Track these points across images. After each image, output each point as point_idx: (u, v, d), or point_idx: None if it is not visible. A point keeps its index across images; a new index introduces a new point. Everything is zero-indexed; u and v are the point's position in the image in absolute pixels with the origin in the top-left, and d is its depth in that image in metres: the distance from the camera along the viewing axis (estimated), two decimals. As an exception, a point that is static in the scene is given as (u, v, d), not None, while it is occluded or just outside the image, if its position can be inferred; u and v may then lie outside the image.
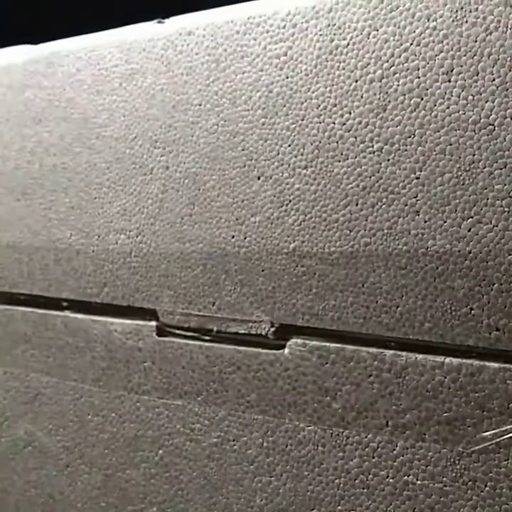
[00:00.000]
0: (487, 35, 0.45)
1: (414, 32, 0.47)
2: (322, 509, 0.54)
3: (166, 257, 0.61)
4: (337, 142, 0.51)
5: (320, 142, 0.52)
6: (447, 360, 0.48)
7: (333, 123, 0.51)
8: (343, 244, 0.51)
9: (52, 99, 0.69)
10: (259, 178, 0.55)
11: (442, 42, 0.46)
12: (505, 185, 0.44)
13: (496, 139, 0.45)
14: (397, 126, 0.48)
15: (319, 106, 0.52)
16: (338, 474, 0.53)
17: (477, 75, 0.45)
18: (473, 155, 0.45)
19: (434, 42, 0.47)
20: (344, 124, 0.51)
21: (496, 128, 0.45)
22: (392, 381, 0.50)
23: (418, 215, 0.48)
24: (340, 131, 0.51)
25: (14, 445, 0.74)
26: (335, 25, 0.51)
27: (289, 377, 0.55)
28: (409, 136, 0.48)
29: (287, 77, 0.53)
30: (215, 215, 0.58)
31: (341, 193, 0.51)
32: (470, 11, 0.45)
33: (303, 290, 0.53)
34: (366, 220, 0.50)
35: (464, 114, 0.46)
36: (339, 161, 0.51)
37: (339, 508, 0.53)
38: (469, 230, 0.46)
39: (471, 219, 0.46)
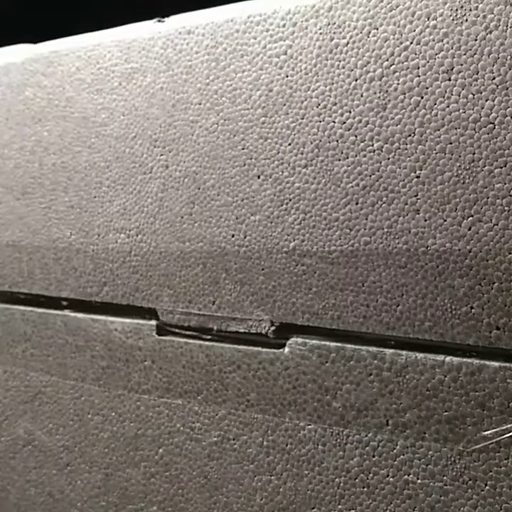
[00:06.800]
0: (487, 34, 0.45)
1: (414, 31, 0.47)
2: (322, 508, 0.54)
3: (166, 256, 0.61)
4: (337, 141, 0.51)
5: (320, 141, 0.52)
6: (447, 358, 0.48)
7: (333, 122, 0.51)
8: (343, 243, 0.51)
9: (52, 98, 0.69)
10: (259, 177, 0.55)
11: (442, 40, 0.46)
12: (505, 183, 0.44)
13: (496, 138, 0.45)
14: (397, 125, 0.48)
15: (319, 105, 0.52)
16: (339, 473, 0.53)
17: (477, 74, 0.45)
18: (474, 153, 0.45)
19: (434, 40, 0.47)
20: (344, 122, 0.51)
21: (496, 126, 0.45)
22: (392, 380, 0.50)
23: (418, 213, 0.48)
24: (340, 130, 0.51)
25: (14, 444, 0.74)
26: (335, 23, 0.51)
27: (289, 376, 0.55)
28: (410, 135, 0.48)
29: (287, 76, 0.53)
30: (214, 214, 0.58)
31: (341, 192, 0.51)
32: (470, 10, 0.45)
33: (303, 289, 0.53)
34: (366, 219, 0.50)
35: (464, 112, 0.46)
36: (339, 160, 0.51)
37: (339, 506, 0.53)
38: (469, 229, 0.46)
39: (471, 218, 0.46)
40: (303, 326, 0.54)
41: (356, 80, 0.50)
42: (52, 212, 0.69)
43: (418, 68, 0.47)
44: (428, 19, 0.47)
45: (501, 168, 0.44)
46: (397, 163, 0.49)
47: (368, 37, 0.49)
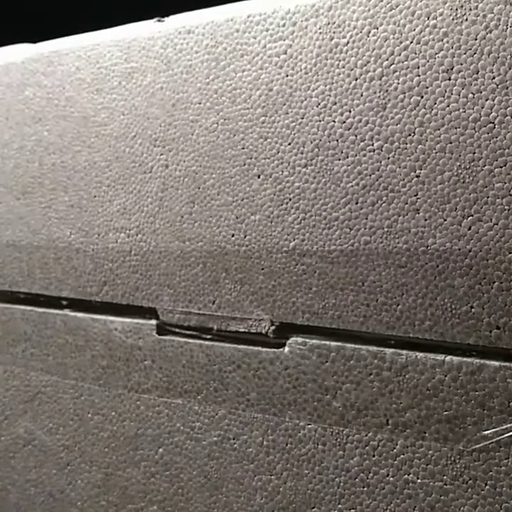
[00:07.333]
0: (487, 33, 0.45)
1: (414, 30, 0.47)
2: (322, 508, 0.54)
3: (166, 255, 0.61)
4: (337, 140, 0.51)
5: (320, 140, 0.52)
6: (447, 358, 0.48)
7: (333, 121, 0.51)
8: (343, 242, 0.51)
9: (52, 97, 0.69)
10: (259, 177, 0.55)
11: (442, 40, 0.46)
12: (505, 183, 0.44)
13: (496, 137, 0.45)
14: (397, 125, 0.48)
15: (319, 104, 0.52)
16: (339, 473, 0.53)
17: (477, 73, 0.45)
18: (474, 153, 0.45)
19: (434, 40, 0.47)
20: (344, 122, 0.51)
21: (496, 126, 0.45)
22: (392, 379, 0.50)
23: (418, 213, 0.48)
24: (340, 130, 0.51)
25: (14, 443, 0.74)
26: (334, 23, 0.51)
27: (289, 375, 0.55)
28: (409, 135, 0.48)
29: (287, 76, 0.53)
30: (214, 213, 0.58)
31: (341, 192, 0.51)
32: (470, 9, 0.45)
33: (303, 288, 0.53)
34: (366, 219, 0.50)
35: (464, 112, 0.46)
36: (339, 160, 0.51)
37: (339, 506, 0.53)
38: (469, 228, 0.46)
39: (471, 217, 0.46)
40: (303, 325, 0.54)
41: (356, 80, 0.50)
42: (52, 212, 0.69)
43: (418, 68, 0.47)
44: (428, 18, 0.47)
45: (501, 167, 0.44)
46: (397, 163, 0.49)
47: (368, 36, 0.49)
